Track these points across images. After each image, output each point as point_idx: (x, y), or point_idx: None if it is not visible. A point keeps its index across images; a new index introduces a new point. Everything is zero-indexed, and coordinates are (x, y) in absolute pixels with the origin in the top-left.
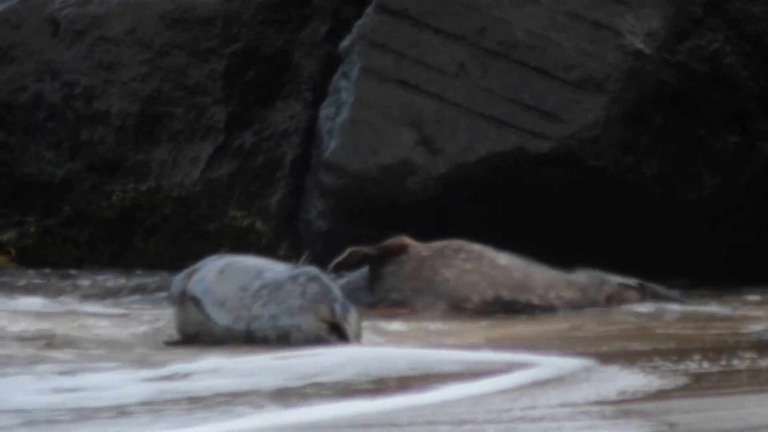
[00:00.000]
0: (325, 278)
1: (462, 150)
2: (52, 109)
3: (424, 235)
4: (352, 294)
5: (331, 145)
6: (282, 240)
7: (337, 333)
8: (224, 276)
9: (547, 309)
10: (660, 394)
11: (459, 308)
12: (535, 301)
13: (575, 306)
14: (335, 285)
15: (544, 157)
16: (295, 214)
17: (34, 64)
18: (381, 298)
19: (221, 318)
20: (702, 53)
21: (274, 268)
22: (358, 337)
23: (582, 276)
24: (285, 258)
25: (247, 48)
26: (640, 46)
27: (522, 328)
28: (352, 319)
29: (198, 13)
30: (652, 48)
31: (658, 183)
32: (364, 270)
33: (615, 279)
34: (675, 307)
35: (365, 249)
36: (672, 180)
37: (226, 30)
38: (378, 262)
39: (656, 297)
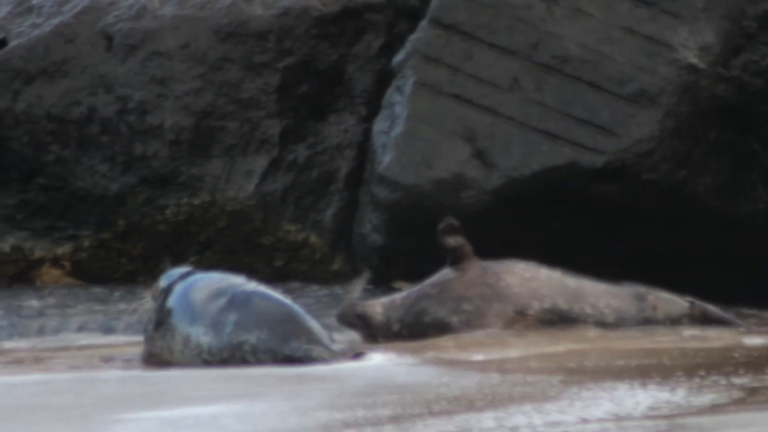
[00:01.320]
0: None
1: (516, 164)
2: (106, 123)
3: (478, 249)
4: (417, 303)
5: (385, 159)
6: (336, 254)
7: None
8: None
9: (599, 320)
10: (714, 409)
11: (522, 315)
12: (588, 311)
13: (624, 316)
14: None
15: (598, 171)
16: (349, 228)
17: (87, 78)
18: (452, 309)
19: None
20: (756, 67)
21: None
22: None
23: (631, 289)
24: (340, 272)
25: (301, 62)
26: (693, 60)
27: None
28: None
29: (251, 27)
30: (705, 62)
31: (711, 197)
32: (432, 279)
33: (663, 294)
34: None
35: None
36: (726, 194)
37: (280, 44)
38: (452, 256)
39: (707, 316)
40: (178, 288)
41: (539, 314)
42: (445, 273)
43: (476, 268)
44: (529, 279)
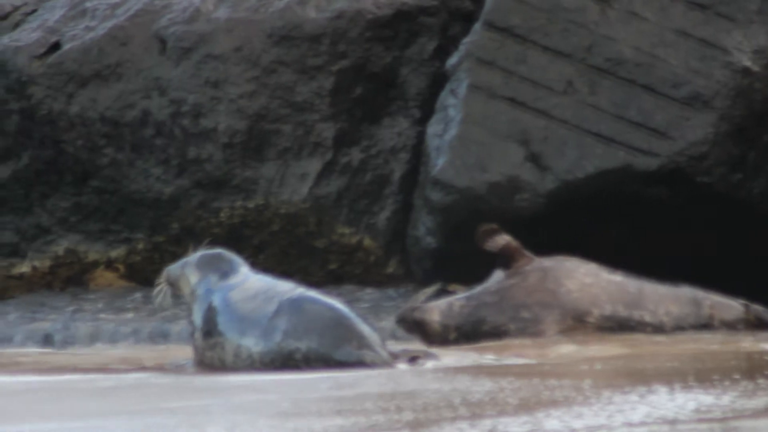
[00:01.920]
0: None
1: (570, 167)
2: (160, 126)
3: (532, 251)
4: (476, 312)
5: (439, 162)
6: (390, 257)
7: None
8: None
9: (657, 326)
10: None
11: (581, 322)
12: (648, 318)
13: (682, 323)
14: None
15: (652, 174)
16: (404, 231)
17: (141, 81)
18: (511, 317)
19: None
20: None
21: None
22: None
23: (689, 293)
24: (394, 275)
25: (355, 65)
26: (747, 63)
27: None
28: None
29: (305, 30)
30: (759, 65)
31: (766, 199)
32: (489, 284)
33: (718, 298)
34: None
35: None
36: None
37: (334, 47)
38: (502, 260)
39: (762, 320)
40: (220, 295)
41: (598, 321)
42: (504, 278)
43: (536, 271)
44: (589, 285)
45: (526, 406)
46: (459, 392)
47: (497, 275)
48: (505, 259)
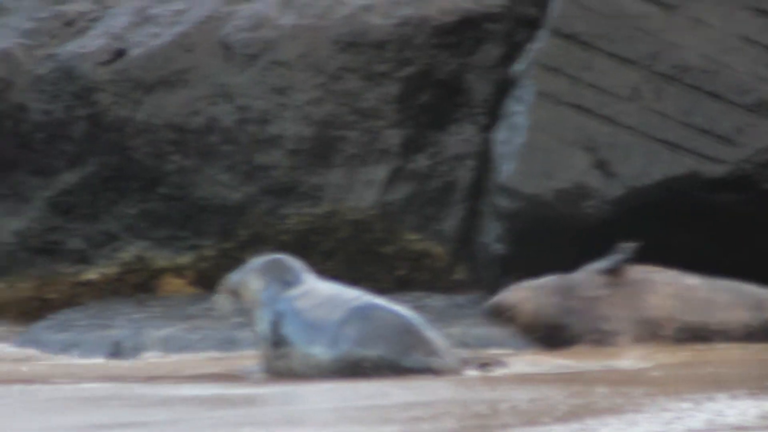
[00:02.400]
0: None
1: (637, 174)
2: (226, 132)
3: (599, 259)
4: (562, 317)
5: (505, 169)
6: (458, 263)
7: None
8: None
9: (729, 335)
10: None
11: (656, 335)
12: (719, 327)
13: (753, 333)
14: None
15: (720, 180)
16: (471, 238)
17: (207, 87)
18: (591, 328)
19: None
20: None
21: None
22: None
23: (757, 297)
24: (461, 281)
25: (421, 71)
26: None
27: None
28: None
29: (371, 36)
30: None
31: None
32: (585, 289)
33: None
34: None
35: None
36: None
37: (400, 53)
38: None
39: None
40: (287, 303)
41: (673, 334)
42: (597, 286)
43: (626, 285)
44: (671, 296)
45: (575, 414)
46: (508, 400)
47: (591, 275)
48: (611, 270)
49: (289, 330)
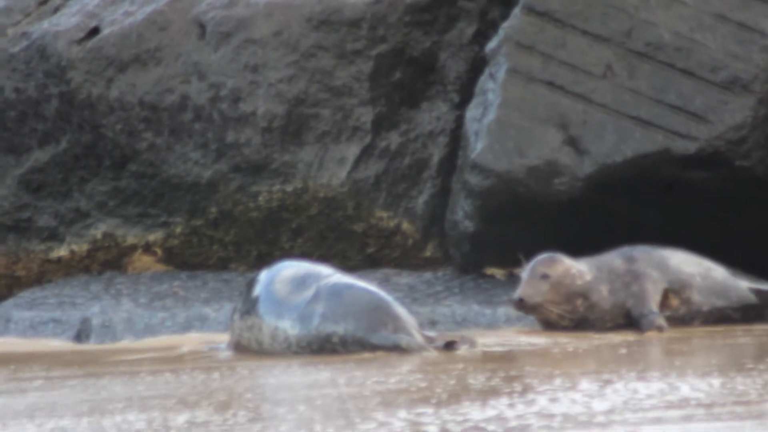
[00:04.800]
0: None
1: (608, 151)
2: (199, 110)
3: (570, 235)
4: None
5: (477, 146)
6: (428, 241)
7: None
8: None
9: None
10: None
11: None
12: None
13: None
14: None
15: (691, 157)
16: (442, 215)
17: (180, 66)
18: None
19: None
20: None
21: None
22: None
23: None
24: (431, 259)
25: (394, 49)
26: None
27: None
28: None
29: (344, 14)
30: None
31: None
32: (611, 278)
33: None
34: None
35: None
36: None
37: (373, 31)
38: None
39: None
40: (263, 277)
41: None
42: (620, 287)
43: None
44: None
45: (485, 393)
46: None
47: (616, 272)
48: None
49: (259, 303)
